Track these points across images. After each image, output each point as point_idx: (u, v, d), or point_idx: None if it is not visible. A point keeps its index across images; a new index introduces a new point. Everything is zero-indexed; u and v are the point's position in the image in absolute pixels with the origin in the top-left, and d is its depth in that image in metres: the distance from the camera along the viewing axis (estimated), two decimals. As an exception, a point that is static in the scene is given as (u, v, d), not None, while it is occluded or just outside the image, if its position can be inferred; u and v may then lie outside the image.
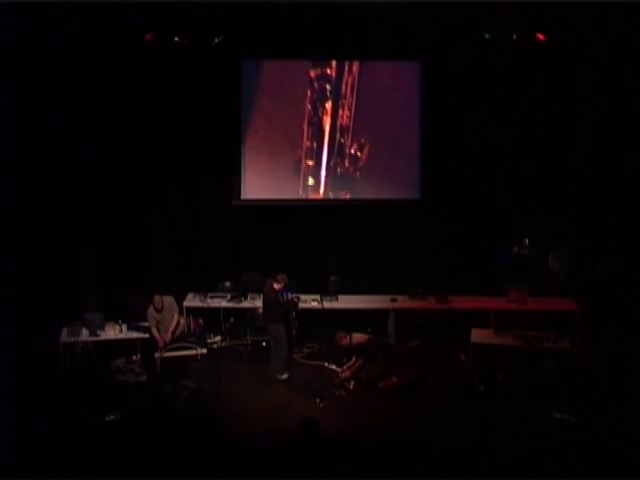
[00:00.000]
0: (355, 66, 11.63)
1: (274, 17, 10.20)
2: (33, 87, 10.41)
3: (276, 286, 9.87)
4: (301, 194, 11.91)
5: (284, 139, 11.82)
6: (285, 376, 9.80)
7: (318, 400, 9.02)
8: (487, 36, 10.61)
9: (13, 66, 9.90)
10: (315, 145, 11.85)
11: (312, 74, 11.68)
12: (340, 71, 11.66)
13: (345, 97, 11.73)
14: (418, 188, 11.81)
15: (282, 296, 9.98)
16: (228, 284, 11.34)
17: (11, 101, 9.99)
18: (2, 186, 10.21)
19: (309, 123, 11.79)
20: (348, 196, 11.93)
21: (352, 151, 11.84)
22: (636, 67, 10.43)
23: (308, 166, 11.88)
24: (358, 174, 11.87)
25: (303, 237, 11.66)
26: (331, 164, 11.87)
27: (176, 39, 10.69)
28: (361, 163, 11.85)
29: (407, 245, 11.56)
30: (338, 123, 11.79)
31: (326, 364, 10.14)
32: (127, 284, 11.09)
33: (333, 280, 11.33)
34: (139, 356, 10.13)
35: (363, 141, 11.81)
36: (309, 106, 11.75)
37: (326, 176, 11.91)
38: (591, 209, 11.21)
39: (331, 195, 11.95)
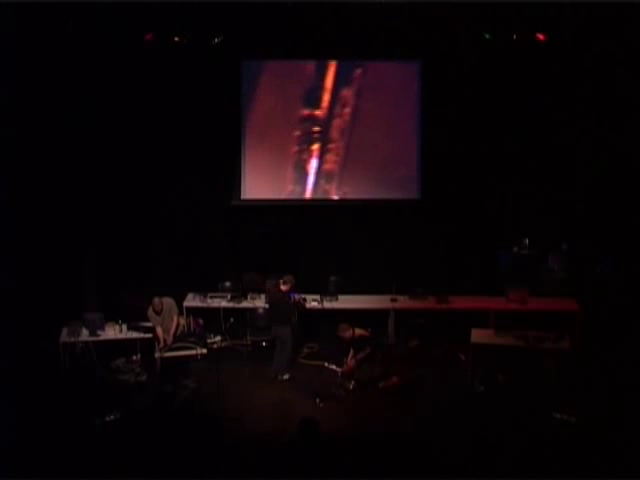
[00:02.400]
0: (347, 108, 11.65)
1: (274, 17, 10.20)
2: (33, 87, 10.40)
3: (283, 287, 9.86)
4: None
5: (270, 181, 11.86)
6: (286, 376, 9.80)
7: (318, 400, 9.02)
8: (487, 36, 10.61)
9: (13, 66, 9.89)
10: (299, 189, 11.88)
11: (303, 113, 11.70)
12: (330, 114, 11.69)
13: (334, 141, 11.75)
14: (418, 188, 11.82)
15: (290, 298, 9.98)
16: (228, 284, 11.34)
17: (11, 101, 9.99)
18: (2, 186, 10.22)
19: (294, 166, 11.81)
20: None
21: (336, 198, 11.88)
22: (636, 67, 10.43)
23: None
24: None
25: (303, 237, 11.66)
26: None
27: (176, 39, 10.70)
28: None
29: (407, 245, 11.56)
30: (323, 167, 11.81)
31: (326, 364, 10.13)
32: (127, 284, 11.09)
33: (333, 280, 11.33)
34: (139, 356, 10.13)
35: (348, 190, 11.84)
36: (295, 147, 11.76)
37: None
38: (591, 209, 11.21)
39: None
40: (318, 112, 11.70)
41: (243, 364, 10.27)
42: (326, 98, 11.71)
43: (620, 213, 11.06)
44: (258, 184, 11.87)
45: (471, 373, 9.53)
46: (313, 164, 11.86)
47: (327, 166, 11.84)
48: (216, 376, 8.81)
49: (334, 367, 9.90)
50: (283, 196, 11.87)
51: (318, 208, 11.79)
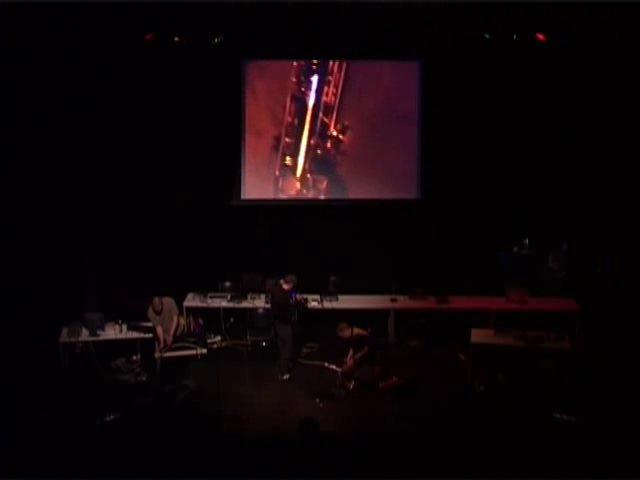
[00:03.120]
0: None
1: (274, 17, 10.19)
2: (33, 87, 10.40)
3: (285, 287, 9.89)
4: (277, 175, 11.82)
5: (268, 115, 11.76)
6: (286, 376, 9.81)
7: (318, 400, 9.03)
8: (487, 36, 10.61)
9: (13, 66, 9.89)
10: (296, 122, 11.76)
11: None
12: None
13: (332, 73, 11.65)
14: (418, 188, 11.82)
15: (291, 297, 9.99)
16: (228, 284, 11.35)
17: (11, 101, 10.00)
18: (2, 186, 10.22)
19: (292, 98, 11.72)
20: (325, 183, 11.83)
21: (334, 133, 11.76)
22: (636, 67, 10.43)
23: (287, 144, 11.77)
24: (338, 158, 11.78)
25: (303, 237, 11.66)
26: (311, 143, 11.80)
27: (176, 39, 10.69)
28: (343, 147, 11.74)
29: (407, 245, 11.56)
30: (322, 100, 11.67)
31: (326, 364, 10.14)
32: (127, 284, 11.09)
33: (333, 280, 11.33)
34: (139, 356, 10.13)
35: (347, 123, 11.74)
36: (294, 79, 11.65)
37: (305, 156, 11.83)
38: (591, 209, 11.21)
39: (309, 177, 11.83)
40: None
41: (243, 364, 10.27)
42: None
43: (620, 213, 11.05)
44: (258, 184, 11.86)
45: (471, 373, 9.54)
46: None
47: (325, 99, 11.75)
48: (216, 376, 8.81)
49: (334, 367, 9.91)
50: (283, 196, 11.88)
51: (318, 208, 11.79)
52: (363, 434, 8.20)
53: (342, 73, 11.62)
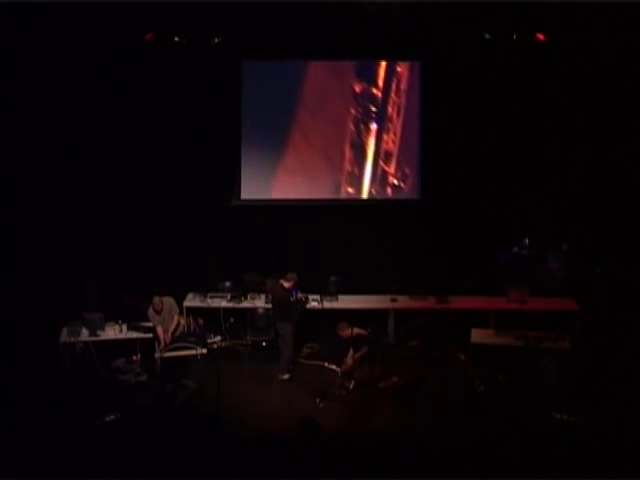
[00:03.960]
0: (403, 85, 11.61)
1: (274, 17, 10.19)
2: (33, 87, 10.40)
3: (286, 285, 9.91)
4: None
5: (323, 160, 11.82)
6: (286, 376, 9.81)
7: (318, 400, 9.02)
8: (487, 36, 10.62)
9: (13, 66, 9.89)
10: (357, 170, 11.83)
11: (357, 89, 11.64)
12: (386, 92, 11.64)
13: (391, 120, 11.71)
14: (418, 188, 11.82)
15: (292, 295, 10.01)
16: (228, 284, 11.34)
17: (11, 101, 9.99)
18: (2, 187, 10.21)
19: (351, 145, 11.78)
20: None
21: (395, 181, 11.83)
22: (636, 67, 10.43)
23: (348, 193, 11.90)
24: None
25: (303, 237, 11.65)
26: (372, 192, 11.88)
27: (176, 39, 10.70)
28: (403, 194, 11.83)
29: (407, 245, 11.56)
30: (382, 148, 11.74)
31: (326, 364, 10.14)
32: (127, 284, 11.09)
33: (333, 280, 11.33)
34: (139, 356, 10.13)
35: (407, 171, 11.80)
36: (352, 127, 11.72)
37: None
38: (591, 209, 11.21)
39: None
40: (374, 90, 11.69)
41: (243, 364, 10.28)
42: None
43: (620, 213, 11.05)
44: (258, 184, 11.86)
45: (471, 373, 9.54)
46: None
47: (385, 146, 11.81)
48: (216, 376, 8.81)
49: (334, 367, 9.91)
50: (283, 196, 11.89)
51: (318, 208, 11.78)
52: (363, 434, 8.20)
53: (400, 119, 11.66)
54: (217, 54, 11.05)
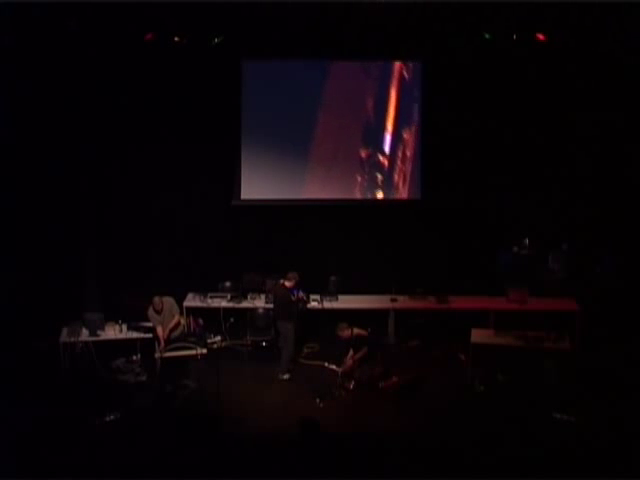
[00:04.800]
0: (409, 152, 11.70)
1: (274, 17, 10.20)
2: (33, 87, 10.40)
3: (287, 284, 9.92)
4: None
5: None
6: (286, 376, 9.81)
7: (318, 400, 9.03)
8: (487, 36, 10.62)
9: (13, 66, 9.90)
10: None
11: (363, 154, 11.72)
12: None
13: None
14: (418, 188, 11.82)
15: (293, 294, 10.02)
16: (228, 284, 11.34)
17: (11, 101, 10.00)
18: (2, 186, 10.23)
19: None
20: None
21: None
22: (636, 67, 10.43)
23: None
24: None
25: (303, 237, 11.66)
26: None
27: (176, 39, 10.70)
28: None
29: (407, 245, 11.56)
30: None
31: (326, 364, 10.14)
32: (127, 284, 11.09)
33: (333, 280, 11.32)
34: (139, 356, 10.12)
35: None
36: (359, 196, 11.83)
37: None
38: (592, 209, 11.21)
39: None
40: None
41: (243, 364, 10.28)
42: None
43: (620, 213, 11.05)
44: (258, 184, 11.86)
45: (471, 373, 9.54)
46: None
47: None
48: (216, 376, 8.82)
49: (334, 367, 9.91)
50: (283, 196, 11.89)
51: (318, 208, 11.78)
52: (363, 434, 8.21)
53: (406, 190, 11.78)
54: (217, 54, 11.05)
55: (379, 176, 11.80)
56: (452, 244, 11.55)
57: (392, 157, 11.77)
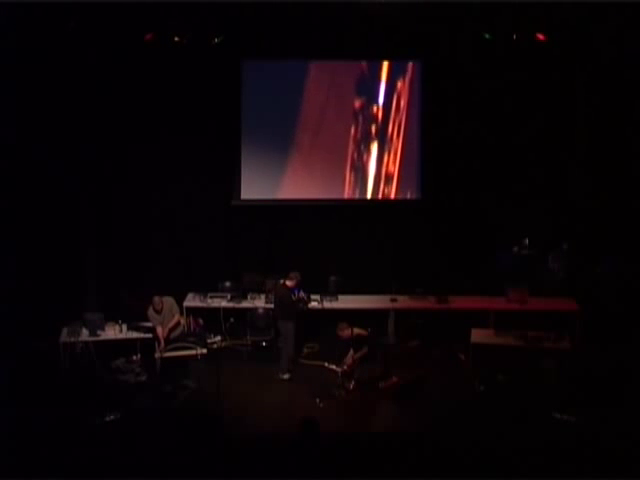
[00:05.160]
0: (403, 102, 11.59)
1: (274, 17, 10.20)
2: (33, 87, 10.40)
3: (289, 283, 9.93)
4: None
5: (322, 181, 11.83)
6: (286, 376, 9.81)
7: (318, 400, 9.02)
8: (487, 36, 10.61)
9: (13, 66, 9.89)
10: (358, 194, 11.81)
11: (357, 104, 11.64)
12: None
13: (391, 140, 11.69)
14: (418, 188, 11.82)
15: (294, 293, 10.01)
16: (228, 284, 11.34)
17: (11, 100, 9.99)
18: (2, 186, 10.22)
19: (352, 168, 11.78)
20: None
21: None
22: (636, 67, 10.43)
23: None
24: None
25: (303, 237, 11.65)
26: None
27: (176, 39, 10.69)
28: None
29: (407, 245, 11.56)
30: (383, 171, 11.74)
31: (326, 364, 10.12)
32: (127, 284, 11.09)
33: (333, 280, 11.34)
34: (139, 356, 10.12)
35: (409, 196, 11.82)
36: (352, 146, 11.70)
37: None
38: (591, 209, 11.21)
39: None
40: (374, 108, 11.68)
41: (243, 364, 10.28)
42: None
43: (620, 213, 11.05)
44: (258, 184, 11.86)
45: (471, 373, 9.53)
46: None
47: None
48: (216, 376, 8.82)
49: (334, 367, 9.90)
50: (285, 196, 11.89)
51: (318, 208, 11.78)
52: (363, 434, 8.20)
53: (400, 140, 11.63)
54: (217, 54, 11.05)
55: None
56: (452, 244, 11.55)
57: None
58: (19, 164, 10.48)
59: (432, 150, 11.61)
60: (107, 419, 8.46)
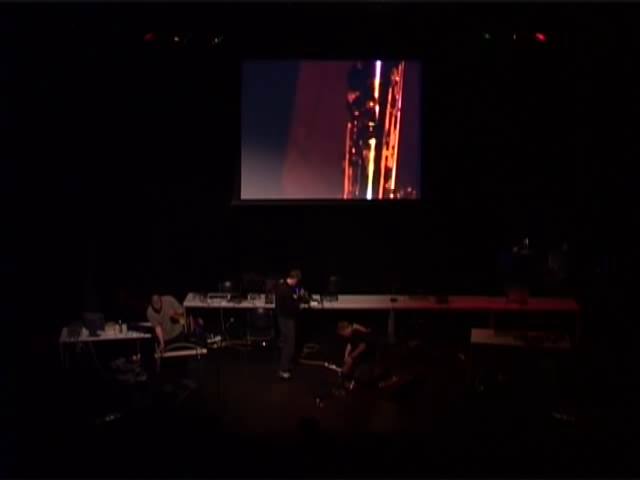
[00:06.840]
0: (398, 95, 11.59)
1: (274, 17, 10.20)
2: (33, 86, 10.40)
3: (290, 281, 9.94)
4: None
5: (322, 178, 11.82)
6: (287, 374, 9.81)
7: (318, 400, 9.02)
8: (487, 36, 10.62)
9: (13, 65, 9.89)
10: (357, 191, 11.82)
11: (351, 98, 11.62)
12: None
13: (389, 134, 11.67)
14: (418, 188, 11.82)
15: (295, 292, 10.02)
16: (228, 284, 11.34)
17: (11, 100, 10.00)
18: (2, 185, 10.22)
19: (351, 164, 11.78)
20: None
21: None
22: (636, 67, 10.43)
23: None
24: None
25: (303, 237, 11.66)
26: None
27: (176, 39, 10.70)
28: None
29: (407, 245, 11.56)
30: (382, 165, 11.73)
31: (326, 364, 10.14)
32: (127, 284, 11.09)
33: (333, 280, 11.33)
34: (139, 356, 10.11)
35: (410, 190, 11.82)
36: (350, 142, 11.70)
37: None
38: (591, 209, 11.21)
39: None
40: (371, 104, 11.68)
41: (243, 364, 10.28)
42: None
43: (620, 213, 11.05)
44: (258, 184, 11.86)
45: (471, 373, 9.54)
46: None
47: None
48: (216, 376, 8.82)
49: (334, 367, 9.91)
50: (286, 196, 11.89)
51: (318, 208, 11.78)
52: (363, 434, 8.20)
53: (397, 135, 11.63)
54: (217, 54, 11.05)
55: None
56: (452, 244, 11.55)
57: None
58: (19, 164, 10.47)
59: (432, 150, 11.60)
60: (107, 419, 8.45)
